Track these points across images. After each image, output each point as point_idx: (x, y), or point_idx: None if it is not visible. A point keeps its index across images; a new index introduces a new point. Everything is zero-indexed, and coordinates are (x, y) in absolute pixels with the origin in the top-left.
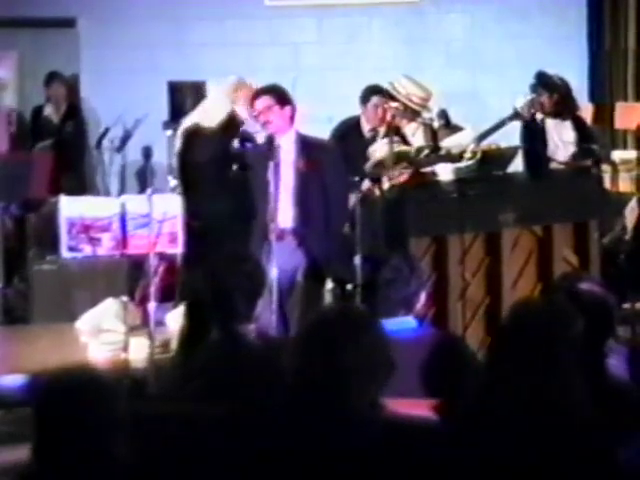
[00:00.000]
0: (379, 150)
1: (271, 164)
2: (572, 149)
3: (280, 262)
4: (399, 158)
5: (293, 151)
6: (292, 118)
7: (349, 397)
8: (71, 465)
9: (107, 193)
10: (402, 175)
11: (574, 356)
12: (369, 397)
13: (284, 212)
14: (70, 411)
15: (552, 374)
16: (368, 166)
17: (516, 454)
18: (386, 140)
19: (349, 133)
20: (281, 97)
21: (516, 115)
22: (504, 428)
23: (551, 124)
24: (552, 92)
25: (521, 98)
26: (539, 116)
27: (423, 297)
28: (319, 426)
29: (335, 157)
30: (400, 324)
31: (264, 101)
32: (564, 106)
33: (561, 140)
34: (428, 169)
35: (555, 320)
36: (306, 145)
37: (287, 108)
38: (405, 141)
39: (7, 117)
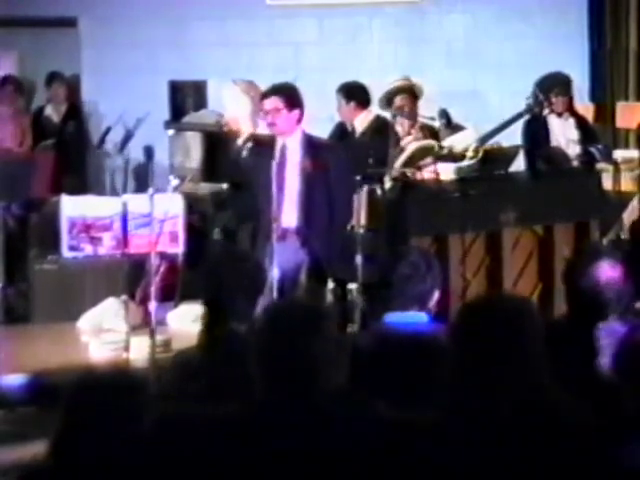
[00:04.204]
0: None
1: (274, 164)
2: (576, 148)
3: (283, 262)
4: (425, 153)
5: (299, 151)
6: (299, 120)
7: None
8: (90, 464)
9: (111, 193)
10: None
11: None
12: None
13: (288, 212)
14: (100, 411)
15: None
16: (398, 163)
17: (503, 455)
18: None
19: (346, 134)
20: (290, 99)
21: (538, 103)
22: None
23: (557, 123)
24: (568, 93)
25: (536, 90)
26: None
27: (437, 294)
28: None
29: (341, 158)
30: (412, 318)
31: (272, 102)
32: (570, 106)
33: (566, 139)
34: (430, 168)
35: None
36: (312, 146)
37: (295, 111)
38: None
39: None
